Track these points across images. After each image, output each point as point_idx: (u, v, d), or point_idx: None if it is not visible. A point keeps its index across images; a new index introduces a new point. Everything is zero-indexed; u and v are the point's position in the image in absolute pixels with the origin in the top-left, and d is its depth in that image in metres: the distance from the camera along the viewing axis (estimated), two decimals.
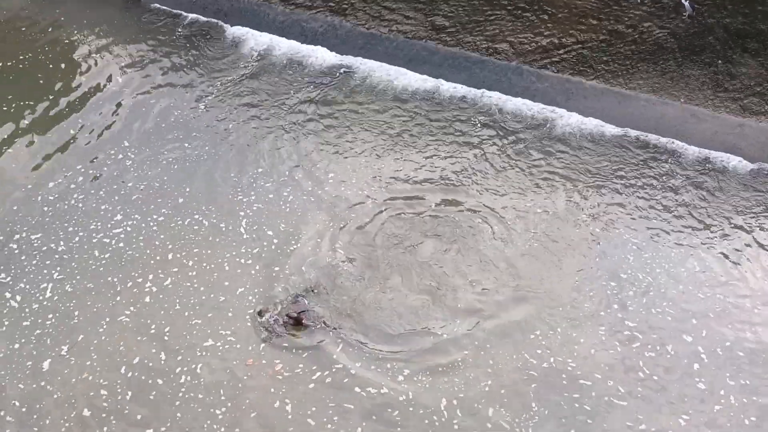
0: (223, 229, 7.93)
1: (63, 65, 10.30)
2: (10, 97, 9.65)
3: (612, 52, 9.74)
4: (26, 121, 9.33)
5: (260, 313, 7.02)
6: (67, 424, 6.09)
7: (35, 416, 6.13)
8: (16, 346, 6.69)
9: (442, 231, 7.98)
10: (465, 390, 6.46)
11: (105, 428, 6.09)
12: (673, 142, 8.94)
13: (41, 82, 9.96)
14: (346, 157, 8.93)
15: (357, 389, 6.42)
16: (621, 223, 8.08)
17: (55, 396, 6.29)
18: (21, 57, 10.35)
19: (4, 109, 9.49)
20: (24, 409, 6.19)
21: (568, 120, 9.39)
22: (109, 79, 10.09)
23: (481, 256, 7.72)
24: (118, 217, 7.98)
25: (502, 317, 7.09)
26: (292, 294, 7.27)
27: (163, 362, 6.63)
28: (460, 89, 9.94)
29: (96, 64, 10.34)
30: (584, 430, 6.14)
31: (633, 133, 9.13)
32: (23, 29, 10.81)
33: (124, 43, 10.65)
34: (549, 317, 7.08)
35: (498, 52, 10.20)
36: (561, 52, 9.91)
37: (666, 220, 8.09)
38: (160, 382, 6.47)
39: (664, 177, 8.60)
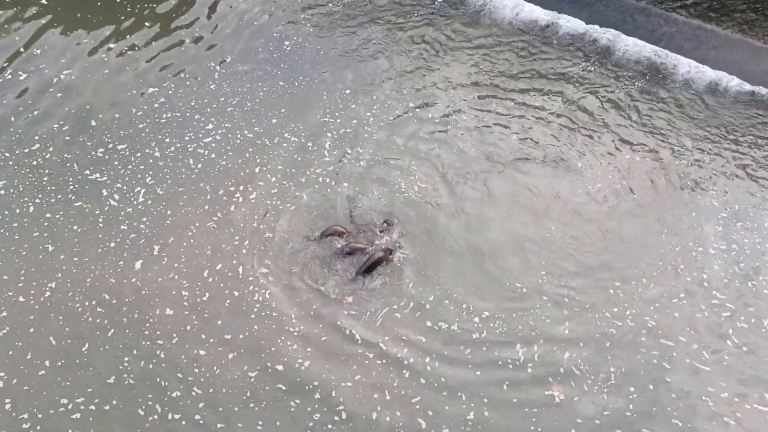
0: (309, 147, 8.74)
1: None
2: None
3: (753, 0, 9.55)
4: (142, 26, 10.39)
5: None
6: (151, 320, 7.00)
7: (124, 308, 7.05)
8: (112, 244, 7.63)
9: (533, 169, 8.53)
10: (542, 334, 6.99)
11: (188, 326, 6.97)
12: None
13: None
14: (438, 87, 9.51)
15: (428, 323, 7.05)
16: (724, 188, 8.26)
17: (143, 292, 7.21)
18: None
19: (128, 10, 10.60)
20: (114, 301, 7.12)
21: (692, 69, 9.51)
22: None
23: (567, 203, 8.17)
24: (209, 126, 8.86)
25: (583, 271, 7.53)
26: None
27: (240, 276, 7.41)
28: (579, 26, 10.24)
29: None
30: (662, 387, 6.56)
31: (764, 91, 9.15)
32: None
33: None
34: (632, 275, 7.47)
35: None
36: None
37: None
38: (236, 294, 7.26)
39: None
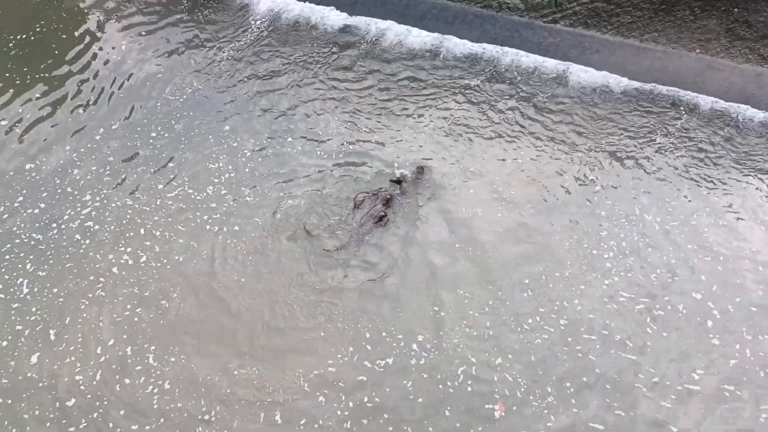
0: (194, 197, 9.59)
1: (77, 33, 12.40)
2: (25, 69, 11.69)
3: (626, 4, 11.31)
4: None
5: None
6: (52, 415, 7.40)
7: (23, 405, 7.45)
8: (5, 343, 8.05)
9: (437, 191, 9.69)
10: (469, 350, 7.97)
11: (93, 414, 7.44)
12: (688, 94, 10.66)
13: (56, 52, 12.05)
14: (352, 115, 10.74)
15: (367, 363, 7.87)
16: (629, 178, 9.71)
17: (41, 384, 7.62)
18: (38, 29, 12.49)
19: (18, 82, 11.43)
20: (10, 401, 7.49)
21: (580, 74, 11.13)
22: (117, 51, 12.06)
23: (474, 214, 9.31)
24: (86, 197, 9.54)
25: (501, 284, 8.59)
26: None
27: (129, 360, 7.97)
28: (471, 46, 11.75)
29: (104, 33, 12.43)
30: (595, 380, 7.64)
31: (648, 86, 10.85)
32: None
33: (132, 11, 12.85)
34: (543, 278, 8.62)
35: (509, 8, 11.92)
36: (574, 5, 11.52)
37: (678, 174, 9.71)
38: (127, 381, 7.78)
39: (678, 129, 10.24)
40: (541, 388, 7.61)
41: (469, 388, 7.63)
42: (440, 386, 7.67)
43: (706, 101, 10.60)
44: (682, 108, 10.56)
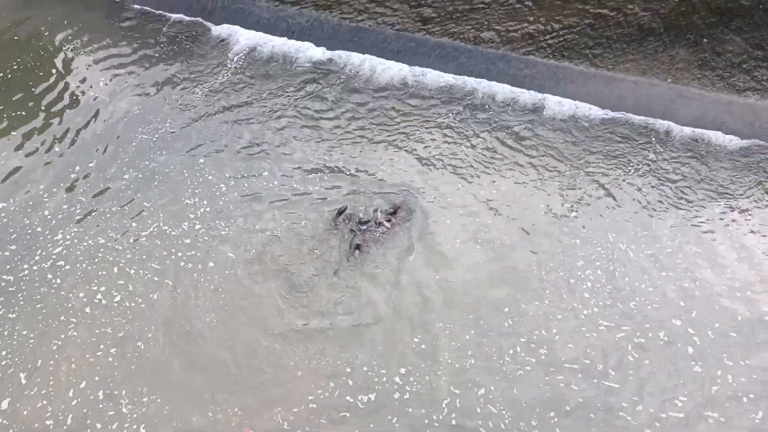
0: (169, 232, 9.60)
1: (54, 71, 12.57)
2: (1, 107, 11.78)
3: (598, 36, 11.62)
4: None
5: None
6: None
7: None
8: None
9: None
10: (452, 382, 7.97)
11: None
12: (660, 123, 10.94)
13: (33, 90, 12.19)
14: (328, 148, 10.86)
15: (349, 398, 7.94)
16: (604, 206, 9.87)
17: (11, 431, 7.51)
18: (15, 66, 12.65)
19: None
20: None
21: (555, 105, 11.40)
22: (94, 89, 12.22)
23: (444, 243, 9.47)
24: (58, 236, 9.49)
25: (476, 316, 8.61)
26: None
27: (101, 405, 7.87)
28: (448, 79, 12.01)
29: (80, 72, 12.59)
30: (580, 409, 7.66)
31: (621, 115, 11.12)
32: (16, 38, 13.34)
33: (109, 49, 13.04)
34: (522, 308, 8.68)
35: (485, 41, 12.19)
36: (547, 38, 11.79)
37: (652, 202, 9.87)
38: (98, 426, 7.68)
39: (651, 158, 10.45)
40: (525, 419, 7.60)
41: (454, 422, 7.60)
42: (425, 420, 7.64)
43: (678, 129, 10.87)
44: (654, 137, 10.80)
